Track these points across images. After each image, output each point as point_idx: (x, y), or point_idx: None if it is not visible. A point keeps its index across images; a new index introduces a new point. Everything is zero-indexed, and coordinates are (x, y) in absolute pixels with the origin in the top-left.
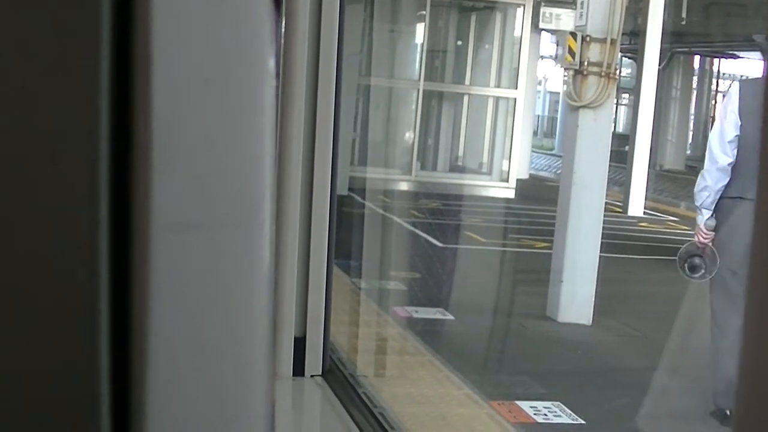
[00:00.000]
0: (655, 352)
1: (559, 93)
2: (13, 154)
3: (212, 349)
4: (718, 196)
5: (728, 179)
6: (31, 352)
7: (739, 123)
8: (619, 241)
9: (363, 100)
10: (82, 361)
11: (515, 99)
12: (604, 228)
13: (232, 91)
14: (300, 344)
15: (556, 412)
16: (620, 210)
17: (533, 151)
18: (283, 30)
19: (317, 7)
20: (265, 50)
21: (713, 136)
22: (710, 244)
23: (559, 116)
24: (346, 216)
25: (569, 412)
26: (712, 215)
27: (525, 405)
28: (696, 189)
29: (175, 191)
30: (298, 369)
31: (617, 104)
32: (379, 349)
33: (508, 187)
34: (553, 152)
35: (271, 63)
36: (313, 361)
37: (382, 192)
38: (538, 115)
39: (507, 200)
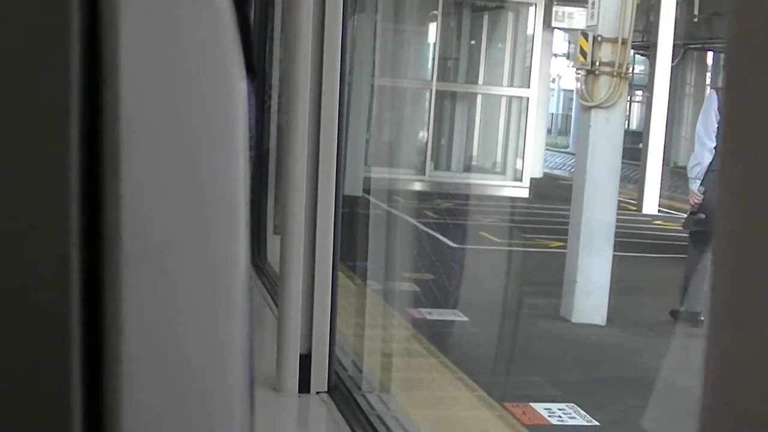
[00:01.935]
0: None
1: (573, 91)
2: None
3: (189, 368)
4: (705, 170)
5: (712, 157)
6: (4, 388)
7: (719, 117)
8: (634, 240)
9: (376, 101)
10: (55, 391)
11: (528, 98)
12: (617, 227)
13: (201, 109)
14: (305, 361)
15: (570, 413)
16: (634, 208)
17: (547, 149)
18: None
19: (320, 10)
20: (232, 64)
21: (700, 128)
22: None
23: (573, 114)
24: (360, 217)
25: (583, 413)
26: (701, 183)
27: (539, 407)
28: (689, 165)
29: (145, 213)
30: (304, 386)
31: (630, 101)
32: (391, 352)
33: (522, 187)
34: (568, 150)
35: (240, 74)
36: (319, 378)
37: (396, 192)
38: (552, 113)
39: (521, 199)
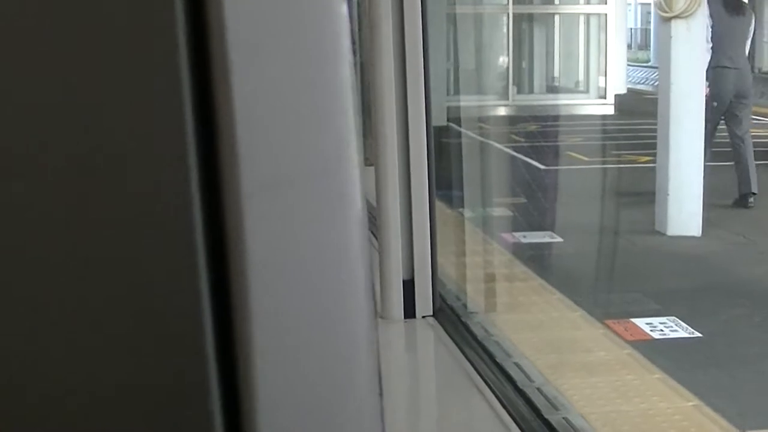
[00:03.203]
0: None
1: (650, 4)
2: (101, 128)
3: (312, 303)
4: (706, 68)
5: (709, 56)
6: (131, 316)
7: (711, 22)
8: (724, 149)
9: (453, 30)
10: (186, 319)
11: (606, 14)
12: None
13: (310, 38)
14: (409, 287)
15: (672, 327)
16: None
17: (629, 65)
18: None
19: None
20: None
21: None
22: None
23: (652, 27)
24: (446, 147)
25: (685, 326)
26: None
27: (640, 322)
28: None
29: (259, 148)
30: (409, 311)
31: None
32: (489, 277)
33: (606, 104)
34: (649, 64)
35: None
36: (423, 303)
37: (481, 119)
38: (631, 28)
39: (606, 117)
